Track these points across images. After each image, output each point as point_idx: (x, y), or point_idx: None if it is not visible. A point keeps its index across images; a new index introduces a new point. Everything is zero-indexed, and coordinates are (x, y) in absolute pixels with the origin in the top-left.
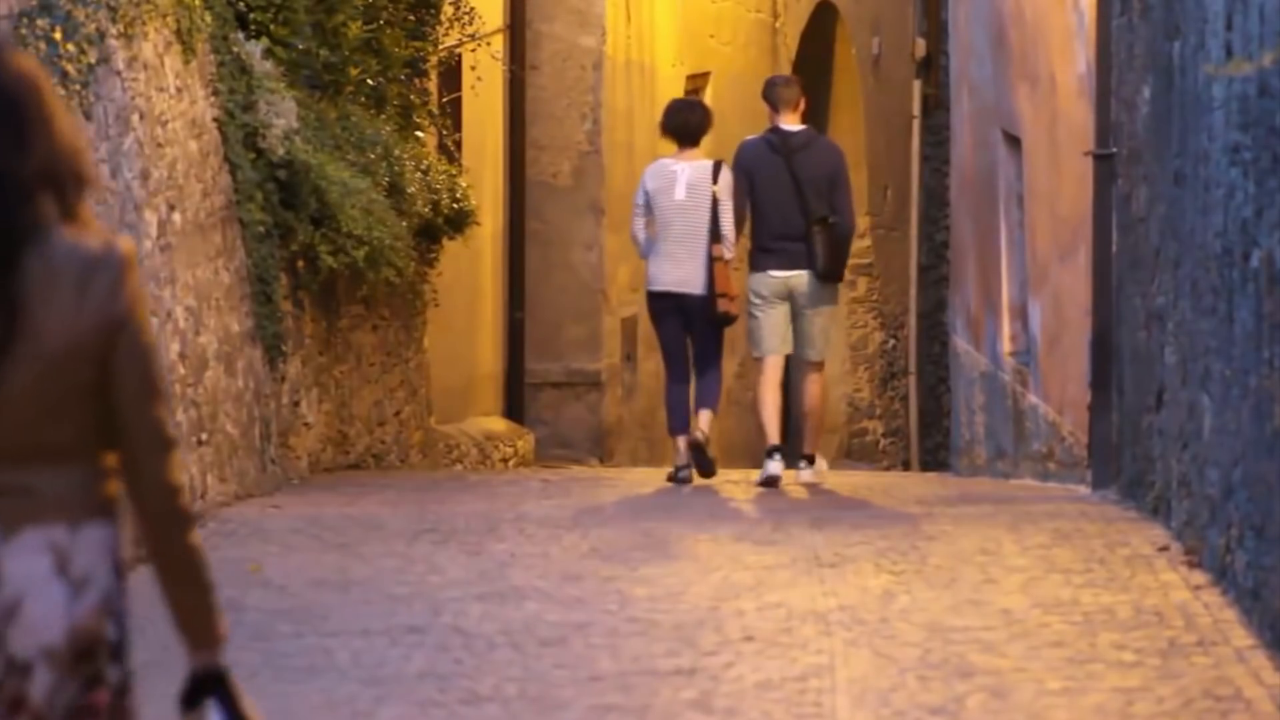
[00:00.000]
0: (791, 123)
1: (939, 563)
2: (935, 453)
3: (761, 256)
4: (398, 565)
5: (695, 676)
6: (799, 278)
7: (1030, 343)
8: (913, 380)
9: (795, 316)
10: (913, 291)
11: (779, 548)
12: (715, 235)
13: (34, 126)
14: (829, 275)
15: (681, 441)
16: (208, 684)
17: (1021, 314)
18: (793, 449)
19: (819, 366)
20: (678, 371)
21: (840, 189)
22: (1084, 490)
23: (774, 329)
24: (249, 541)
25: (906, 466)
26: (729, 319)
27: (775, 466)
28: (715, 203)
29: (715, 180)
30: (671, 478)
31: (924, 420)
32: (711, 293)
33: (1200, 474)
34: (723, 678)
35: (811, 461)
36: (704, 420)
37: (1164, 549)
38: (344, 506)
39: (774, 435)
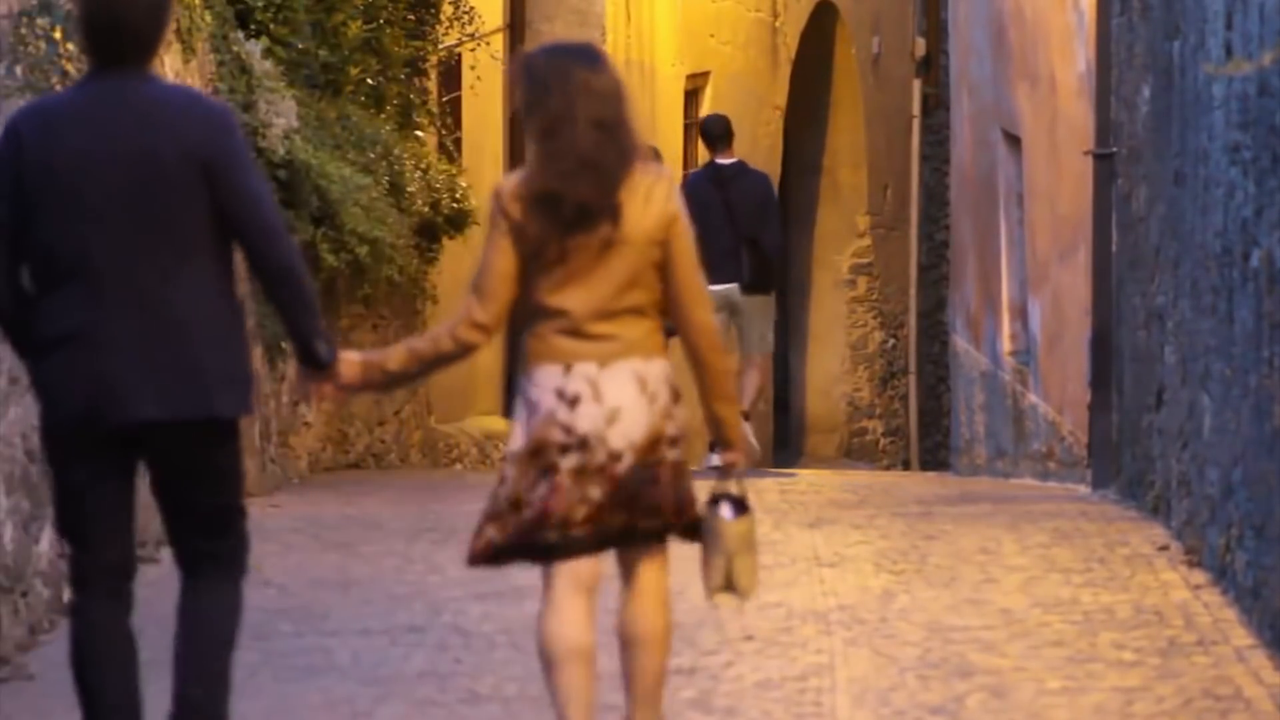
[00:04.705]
0: (725, 157)
1: (939, 562)
2: (935, 452)
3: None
4: (398, 565)
5: (695, 676)
6: (733, 290)
7: (1030, 342)
8: (913, 380)
9: (736, 323)
10: (913, 291)
11: (779, 548)
12: None
13: (626, 107)
14: (755, 287)
15: None
16: (726, 476)
17: (1021, 313)
18: (788, 448)
19: (760, 360)
20: None
21: (767, 213)
22: (1084, 490)
23: None
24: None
25: (906, 466)
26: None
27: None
28: None
29: None
30: None
31: (924, 420)
32: None
33: (1200, 473)
34: (722, 677)
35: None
36: None
37: (1164, 548)
38: (344, 506)
39: None
